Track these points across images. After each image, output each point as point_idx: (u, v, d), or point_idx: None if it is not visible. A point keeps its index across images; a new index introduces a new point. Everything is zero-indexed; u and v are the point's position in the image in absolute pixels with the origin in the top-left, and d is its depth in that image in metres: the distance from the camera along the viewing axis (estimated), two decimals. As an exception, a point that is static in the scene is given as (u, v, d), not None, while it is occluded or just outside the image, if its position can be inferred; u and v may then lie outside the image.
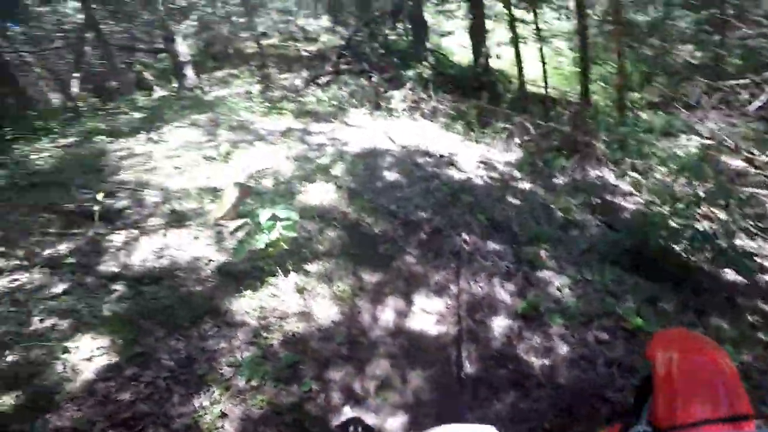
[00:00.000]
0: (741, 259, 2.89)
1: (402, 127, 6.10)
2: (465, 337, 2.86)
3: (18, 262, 2.67)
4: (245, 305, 2.75)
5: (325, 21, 10.14)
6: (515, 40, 8.48)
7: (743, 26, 7.45)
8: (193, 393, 2.17)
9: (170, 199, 3.72)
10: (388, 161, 4.86)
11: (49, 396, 1.98)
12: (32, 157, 4.80)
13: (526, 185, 4.64)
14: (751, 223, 3.66)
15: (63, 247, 2.91)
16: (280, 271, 2.96)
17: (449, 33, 13.88)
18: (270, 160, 4.62)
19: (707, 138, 4.92)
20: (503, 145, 5.64)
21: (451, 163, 4.93)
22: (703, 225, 3.50)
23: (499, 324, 2.95)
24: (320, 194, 4.00)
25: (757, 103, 6.87)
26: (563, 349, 2.74)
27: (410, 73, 9.32)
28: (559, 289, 3.13)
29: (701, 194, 3.58)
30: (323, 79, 8.99)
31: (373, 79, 8.05)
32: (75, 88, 8.55)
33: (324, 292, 3.03)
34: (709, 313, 2.99)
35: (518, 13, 8.82)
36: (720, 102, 7.48)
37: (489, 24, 9.56)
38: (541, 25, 8.87)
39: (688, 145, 5.28)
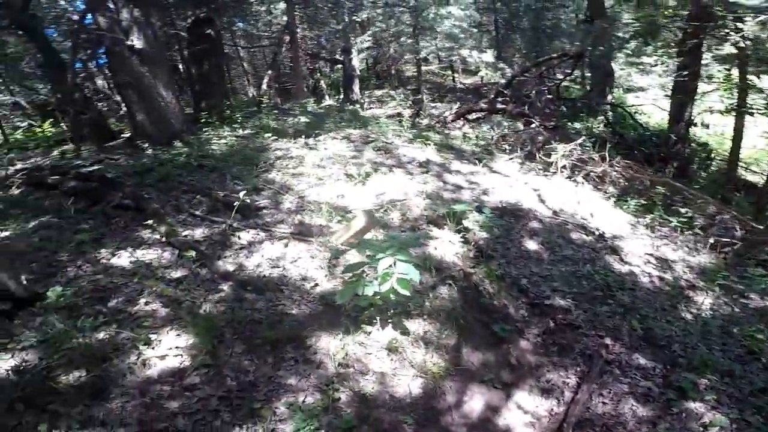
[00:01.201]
0: None
1: (557, 188, 5.35)
2: None
3: (158, 236, 2.97)
4: (331, 346, 2.55)
5: (488, 55, 9.89)
6: (739, 109, 6.79)
7: None
8: (237, 424, 2.03)
9: (304, 209, 3.83)
10: (532, 226, 4.24)
11: (106, 385, 2.02)
12: (213, 141, 5.67)
13: (708, 300, 3.51)
14: None
15: (199, 232, 3.17)
16: (378, 320, 2.69)
17: (640, 89, 12.26)
18: (404, 191, 4.47)
19: None
20: (689, 242, 4.42)
21: (613, 249, 4.03)
22: None
23: None
24: (445, 244, 3.65)
25: None
26: None
27: (579, 126, 8.35)
28: (705, 427, 2.46)
29: None
30: (474, 116, 8.70)
31: (532, 125, 7.39)
32: (264, 85, 10.01)
33: (415, 358, 2.68)
34: None
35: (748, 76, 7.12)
36: None
37: (702, 86, 7.97)
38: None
39: None
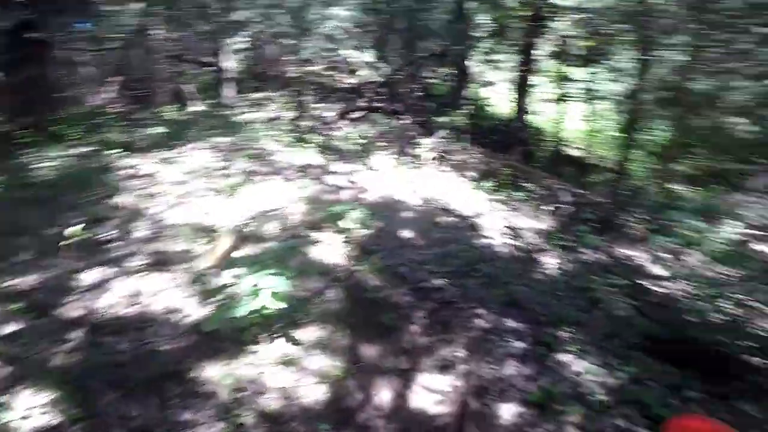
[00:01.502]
0: None
1: (427, 178, 5.83)
2: (469, 421, 2.56)
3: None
4: (218, 373, 2.43)
5: (369, 55, 10.22)
6: (561, 98, 8.23)
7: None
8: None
9: (160, 236, 3.50)
10: (407, 216, 4.55)
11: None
12: (37, 165, 4.75)
13: (553, 260, 4.21)
14: None
15: (31, 279, 2.68)
16: (265, 337, 2.64)
17: (491, 84, 13.85)
18: (281, 199, 4.39)
19: (751, 225, 4.48)
20: (533, 211, 5.25)
21: (474, 227, 4.57)
22: (735, 312, 3.30)
23: (510, 410, 2.62)
24: (328, 246, 3.70)
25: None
26: None
27: (444, 120, 9.18)
28: (577, 375, 2.86)
29: (735, 283, 3.51)
30: (355, 115, 8.94)
31: (404, 121, 7.90)
32: (112, 93, 8.75)
33: (313, 365, 2.70)
34: (736, 399, 2.80)
35: (568, 70, 8.63)
36: None
37: (535, 79, 9.39)
38: (591, 86, 8.64)
39: (728, 230, 4.81)
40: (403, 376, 2.82)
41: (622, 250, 4.58)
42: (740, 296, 3.44)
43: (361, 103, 9.03)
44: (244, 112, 10.34)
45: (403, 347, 3.02)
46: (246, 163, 5.47)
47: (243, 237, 3.29)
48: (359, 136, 7.57)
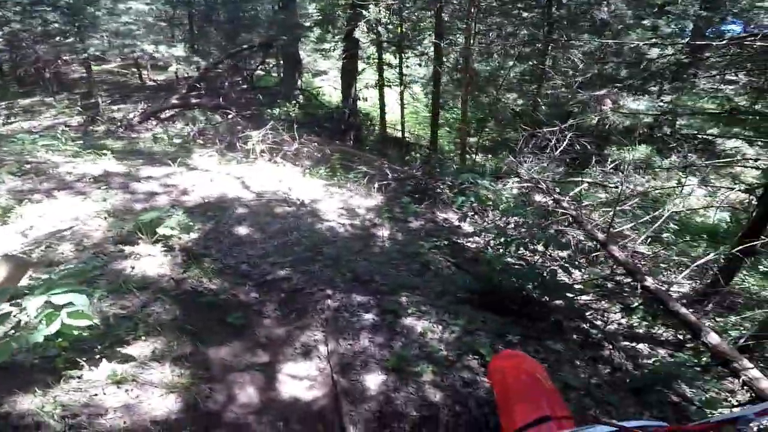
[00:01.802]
0: (563, 291, 3.24)
1: (259, 172, 5.57)
2: (342, 400, 2.54)
3: None
4: (37, 404, 1.92)
5: (180, 49, 9.09)
6: (380, 84, 8.87)
7: (556, 77, 8.96)
8: None
9: None
10: (240, 213, 4.26)
11: None
12: None
13: (385, 232, 4.54)
14: (562, 255, 4.18)
15: None
16: (86, 360, 2.17)
17: (323, 73, 14.01)
18: (73, 218, 3.58)
19: (526, 180, 5.52)
20: (365, 191, 5.57)
21: (313, 213, 4.58)
22: (530, 257, 3.90)
23: (374, 380, 2.70)
24: (144, 259, 3.18)
25: (560, 149, 8.16)
26: (437, 396, 2.61)
27: (276, 111, 8.92)
28: (422, 335, 3.06)
29: (524, 235, 3.99)
30: (167, 114, 7.92)
31: (229, 116, 7.37)
32: None
33: (155, 378, 2.32)
34: (546, 339, 3.23)
35: (386, 56, 9.30)
36: (535, 146, 8.79)
37: (361, 65, 9.86)
38: (404, 71, 9.53)
39: (513, 187, 5.88)
40: (266, 370, 2.64)
41: (439, 215, 5.26)
42: (530, 246, 3.92)
43: (174, 100, 8.04)
44: (10, 122, 8.12)
45: (258, 342, 2.82)
46: (15, 180, 4.27)
47: (23, 266, 2.54)
48: (174, 135, 6.74)
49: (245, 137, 6.47)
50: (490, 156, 8.45)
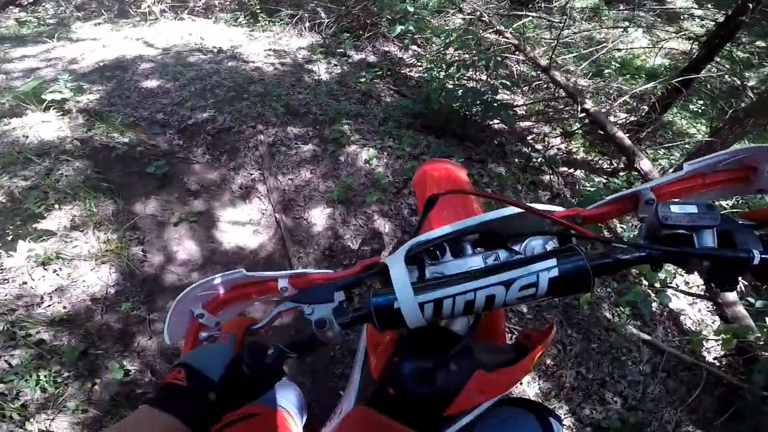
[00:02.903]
0: (504, 110, 3.01)
1: (163, 31, 4.56)
2: (289, 241, 2.33)
3: None
4: None
5: None
6: None
7: None
8: None
9: None
10: (145, 68, 3.50)
11: None
12: None
13: (322, 67, 3.94)
14: (505, 81, 3.93)
15: None
16: None
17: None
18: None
19: (469, 14, 5.00)
20: (294, 32, 4.72)
21: (234, 57, 3.84)
22: (471, 85, 3.61)
23: (320, 215, 2.49)
24: (37, 126, 2.60)
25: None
26: (386, 227, 2.46)
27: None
28: (367, 162, 2.82)
29: (467, 60, 3.64)
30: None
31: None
32: None
33: (80, 251, 2.02)
34: (488, 162, 3.07)
35: None
36: None
37: None
38: None
39: (455, 20, 5.32)
40: (203, 220, 2.35)
41: (381, 48, 4.59)
42: (470, 72, 3.70)
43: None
44: None
45: (189, 190, 2.48)
46: None
47: None
48: (43, 17, 5.33)
49: (139, 1, 5.18)
50: None
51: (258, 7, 4.92)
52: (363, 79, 3.73)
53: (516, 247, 0.55)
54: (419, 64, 4.40)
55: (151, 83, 3.26)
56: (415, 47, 4.76)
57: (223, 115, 2.95)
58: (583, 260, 0.46)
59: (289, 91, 3.34)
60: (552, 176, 3.19)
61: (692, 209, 0.48)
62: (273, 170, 2.65)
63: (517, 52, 4.22)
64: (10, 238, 1.96)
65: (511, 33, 4.43)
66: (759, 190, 0.54)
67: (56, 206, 2.15)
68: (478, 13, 4.80)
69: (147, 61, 3.61)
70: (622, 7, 6.95)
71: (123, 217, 2.24)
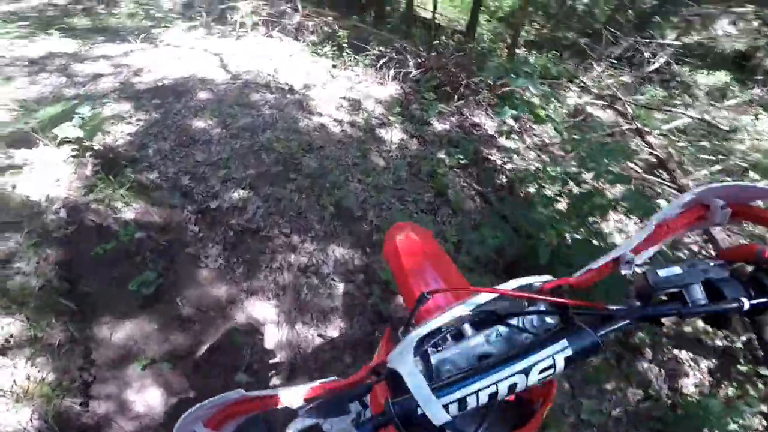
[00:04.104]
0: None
1: (247, 48, 4.00)
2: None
3: None
4: None
5: None
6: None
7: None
8: None
9: None
10: (199, 100, 2.88)
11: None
12: None
13: (395, 135, 3.08)
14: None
15: None
16: None
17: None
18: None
19: (594, 92, 3.86)
20: (377, 78, 3.92)
21: (302, 103, 3.11)
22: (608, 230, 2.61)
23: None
24: (34, 172, 2.03)
25: (653, 66, 5.70)
26: None
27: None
28: None
29: (575, 166, 2.45)
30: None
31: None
32: None
33: (1, 383, 1.37)
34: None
35: None
36: (614, 55, 6.33)
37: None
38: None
39: (571, 95, 4.20)
40: (182, 366, 1.62)
41: (471, 118, 3.63)
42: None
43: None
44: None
45: (179, 317, 1.72)
46: None
47: None
48: (152, 9, 5.06)
49: (232, 8, 4.71)
50: (534, 52, 6.12)
51: (346, 40, 4.19)
52: (441, 169, 2.82)
53: (514, 321, 0.53)
54: (516, 151, 3.37)
55: (197, 124, 2.61)
56: (513, 125, 3.72)
57: (257, 202, 2.20)
58: (592, 336, 0.47)
59: (347, 175, 2.53)
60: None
61: (678, 270, 0.51)
62: (293, 315, 1.85)
63: (660, 170, 3.06)
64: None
65: (655, 135, 3.22)
66: (715, 224, 0.58)
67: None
68: (611, 95, 3.63)
69: (206, 90, 2.99)
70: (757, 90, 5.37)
71: (74, 349, 1.56)
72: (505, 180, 3.02)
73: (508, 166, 3.14)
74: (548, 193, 2.48)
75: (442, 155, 2.96)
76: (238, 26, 4.49)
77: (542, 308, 0.53)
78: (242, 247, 2.03)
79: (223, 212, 2.13)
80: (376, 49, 4.27)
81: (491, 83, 3.84)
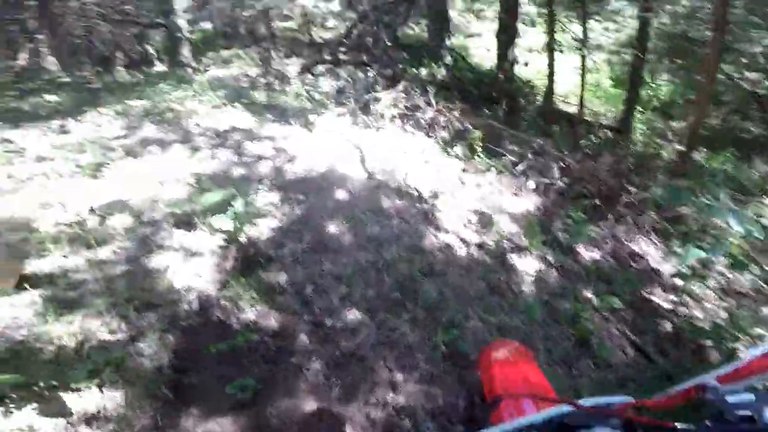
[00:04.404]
0: None
1: (384, 141, 4.23)
2: None
3: None
4: None
5: (335, 4, 8.17)
6: (551, 46, 6.33)
7: None
8: None
9: None
10: (341, 198, 3.03)
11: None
12: None
13: (530, 265, 2.69)
14: None
15: None
16: None
17: (477, 35, 11.70)
18: (160, 180, 2.87)
19: None
20: (513, 186, 3.69)
21: (429, 215, 3.01)
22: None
23: None
24: (184, 260, 2.25)
25: None
26: None
27: (418, 71, 7.31)
28: None
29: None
30: (320, 69, 7.13)
31: (369, 74, 6.13)
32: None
33: None
34: None
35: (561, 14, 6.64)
36: None
37: (523, 26, 7.41)
38: (586, 33, 6.67)
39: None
40: None
41: (628, 243, 3.06)
42: None
43: (326, 56, 7.17)
44: (207, 69, 8.53)
45: (266, 424, 1.64)
46: (151, 128, 3.89)
47: (72, 239, 1.88)
48: (313, 92, 5.85)
49: (377, 98, 5.14)
50: (706, 151, 5.15)
51: (480, 143, 4.11)
52: (585, 312, 2.33)
53: None
54: (691, 292, 2.65)
55: (331, 228, 2.69)
56: (685, 253, 2.95)
57: (370, 328, 2.09)
58: None
59: (467, 310, 2.26)
60: None
61: (751, 397, 0.53)
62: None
63: None
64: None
65: None
66: None
67: (102, 385, 1.58)
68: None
69: (345, 189, 3.15)
70: None
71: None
72: (671, 329, 2.37)
73: (679, 310, 2.48)
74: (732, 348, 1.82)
75: (588, 293, 2.50)
76: (379, 117, 4.84)
77: (613, 424, 0.57)
78: (345, 370, 1.88)
79: (336, 331, 2.04)
80: (511, 148, 4.10)
81: (659, 202, 3.18)
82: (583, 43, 6.50)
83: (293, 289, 2.24)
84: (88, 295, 1.88)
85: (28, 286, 1.82)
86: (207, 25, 11.78)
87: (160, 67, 9.70)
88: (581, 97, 6.73)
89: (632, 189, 3.49)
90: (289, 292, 2.22)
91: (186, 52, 9.28)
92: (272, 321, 2.06)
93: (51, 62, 7.99)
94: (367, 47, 6.92)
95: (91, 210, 2.33)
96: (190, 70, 8.29)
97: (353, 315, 2.11)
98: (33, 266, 1.95)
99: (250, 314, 2.05)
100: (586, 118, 6.93)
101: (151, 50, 10.74)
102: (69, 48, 8.47)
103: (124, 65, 10.09)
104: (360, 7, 8.38)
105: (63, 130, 3.75)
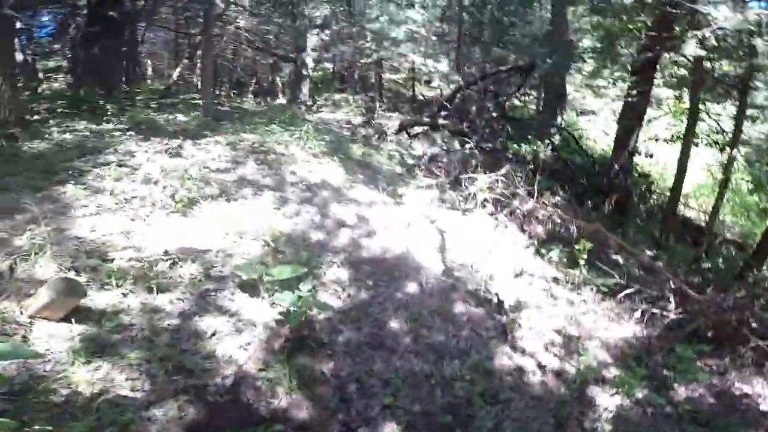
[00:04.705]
0: None
1: (471, 228, 3.94)
2: None
3: None
4: None
5: (444, 65, 8.39)
6: (687, 140, 5.43)
7: None
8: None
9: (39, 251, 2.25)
10: (407, 292, 2.80)
11: None
12: (44, 136, 4.04)
13: (614, 399, 2.11)
14: None
15: None
16: None
17: (591, 113, 10.98)
18: (239, 231, 2.95)
19: None
20: (614, 309, 3.06)
21: (506, 332, 2.59)
22: None
23: None
24: (239, 325, 2.17)
25: None
26: None
27: (522, 148, 6.95)
28: None
29: None
30: (417, 130, 7.23)
31: (467, 145, 5.97)
32: (175, 74, 8.15)
33: None
34: None
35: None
36: None
37: (650, 111, 6.68)
38: (724, 124, 5.72)
39: None
40: None
41: (738, 384, 2.31)
42: None
43: (424, 117, 7.26)
44: (319, 111, 9.28)
45: None
46: (253, 167, 4.18)
47: (76, 291, 1.93)
48: (407, 155, 5.87)
49: (472, 177, 4.87)
50: None
51: (585, 254, 3.55)
52: None
53: None
54: None
55: (393, 324, 2.48)
56: None
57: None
58: None
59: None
60: None
61: None
62: None
63: None
64: None
65: None
66: None
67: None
68: None
69: (416, 281, 2.93)
70: None
71: None
72: None
73: None
74: None
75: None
76: (469, 197, 4.56)
77: None
78: None
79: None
80: (615, 258, 3.47)
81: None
82: (732, 144, 5.42)
83: (336, 382, 2.04)
84: (127, 344, 1.88)
85: (74, 320, 1.86)
86: (328, 65, 12.95)
87: (281, 99, 10.92)
88: (716, 207, 5.63)
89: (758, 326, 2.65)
90: (331, 385, 2.03)
91: (305, 89, 10.29)
92: (304, 412, 1.89)
93: (198, 80, 9.45)
94: (468, 114, 6.84)
95: (165, 252, 2.44)
96: (303, 108, 9.12)
97: (390, 428, 1.79)
98: (91, 298, 2.03)
99: (283, 402, 1.88)
100: (716, 233, 5.77)
101: (278, 81, 12.19)
102: (215, 68, 9.97)
103: (253, 92, 11.44)
104: (468, 70, 8.48)
105: (177, 153, 4.17)
